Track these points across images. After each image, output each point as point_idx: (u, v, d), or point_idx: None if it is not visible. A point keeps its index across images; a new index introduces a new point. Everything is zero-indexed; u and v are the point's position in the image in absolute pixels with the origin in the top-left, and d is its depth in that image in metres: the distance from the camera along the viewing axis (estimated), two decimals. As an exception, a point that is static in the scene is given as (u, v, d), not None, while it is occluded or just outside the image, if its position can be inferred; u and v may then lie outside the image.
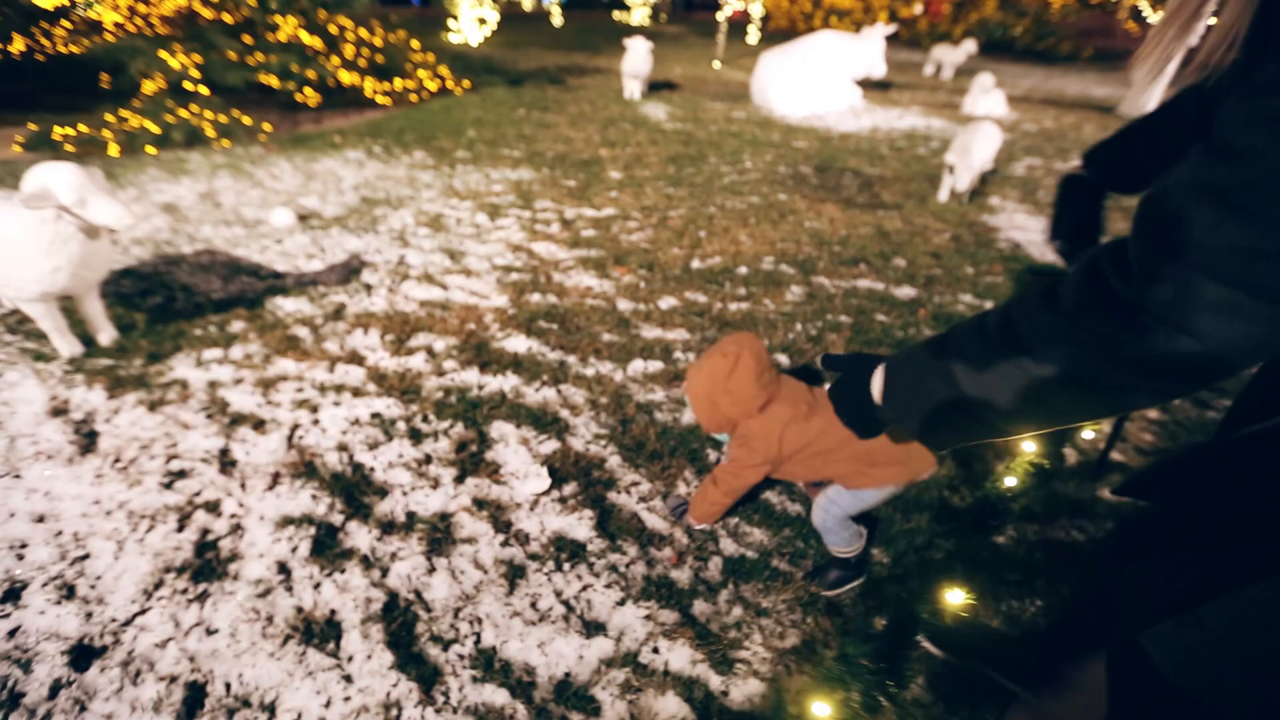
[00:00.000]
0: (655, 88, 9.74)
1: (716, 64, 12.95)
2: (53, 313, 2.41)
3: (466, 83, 8.98)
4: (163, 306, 2.93)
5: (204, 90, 6.11)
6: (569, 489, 2.01)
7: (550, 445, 2.18)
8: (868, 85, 10.73)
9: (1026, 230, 4.42)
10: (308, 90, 7.06)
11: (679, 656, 1.53)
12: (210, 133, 5.83)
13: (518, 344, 2.73)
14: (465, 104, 7.88)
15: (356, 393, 2.39)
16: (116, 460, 2.02)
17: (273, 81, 6.71)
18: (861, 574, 1.74)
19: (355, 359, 2.59)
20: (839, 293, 3.36)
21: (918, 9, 21.45)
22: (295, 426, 2.21)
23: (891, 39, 19.95)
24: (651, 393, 2.47)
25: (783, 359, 2.73)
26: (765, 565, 1.76)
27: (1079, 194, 1.11)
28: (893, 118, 8.36)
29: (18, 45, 6.70)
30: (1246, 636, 0.51)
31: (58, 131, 5.65)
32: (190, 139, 5.78)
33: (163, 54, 5.89)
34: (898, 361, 0.65)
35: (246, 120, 6.25)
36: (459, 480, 2.02)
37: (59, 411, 2.21)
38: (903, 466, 1.52)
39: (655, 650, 1.55)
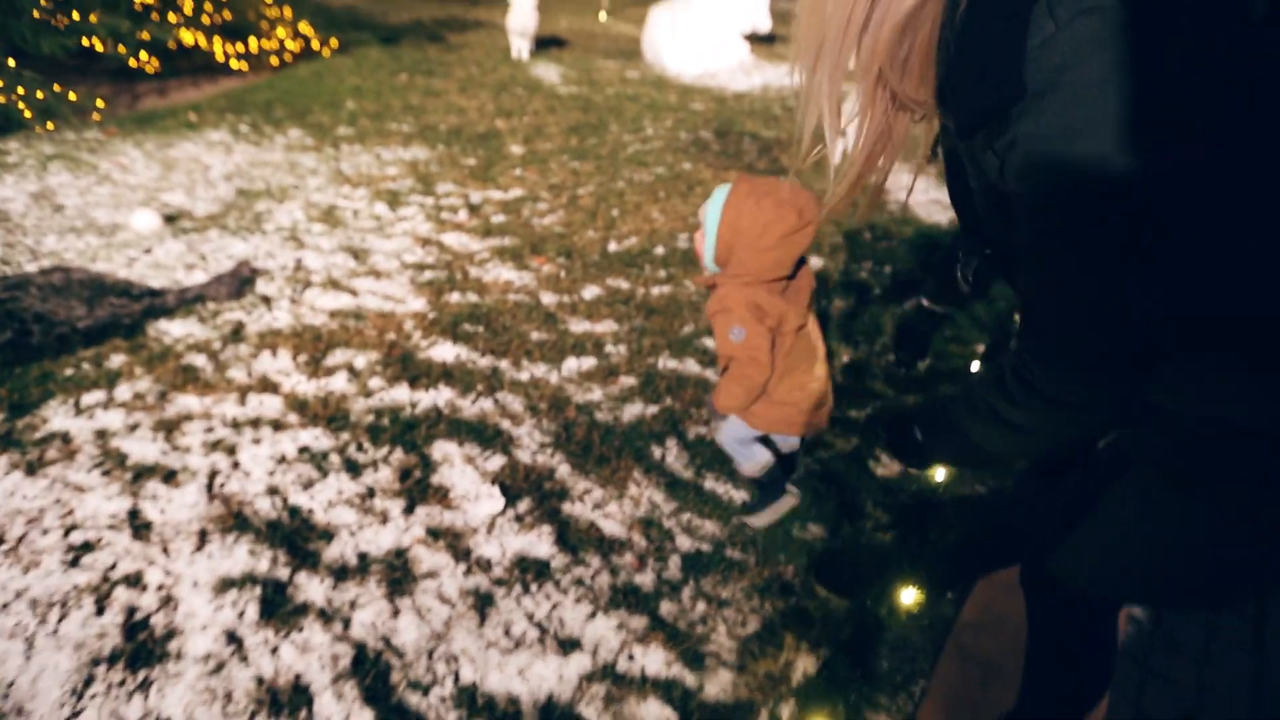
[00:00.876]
0: (543, 45, 9.23)
1: (603, 16, 12.43)
2: None
3: (334, 42, 8.05)
4: (15, 343, 2.49)
5: (10, 62, 5.04)
6: (523, 505, 1.99)
7: (497, 460, 2.13)
8: (754, 40, 10.78)
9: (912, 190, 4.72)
10: (143, 55, 6.03)
11: (654, 660, 1.60)
12: (27, 114, 4.87)
13: (445, 352, 2.60)
14: (338, 69, 7.10)
15: (277, 426, 2.19)
16: (1, 541, 1.75)
17: (97, 45, 5.65)
18: (781, 492, 1.85)
19: (268, 386, 2.36)
20: (752, 265, 3.45)
21: (790, -46, 21.53)
22: (213, 474, 2.00)
23: (768, -14, 19.95)
24: (589, 392, 2.45)
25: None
26: (720, 557, 1.86)
27: (926, 323, 1.52)
28: (781, 74, 8.49)
29: None
30: (1114, 538, 0.77)
31: None
32: (2, 122, 4.80)
33: (-57, 16, 4.76)
34: (927, 421, 0.85)
35: (72, 96, 5.26)
36: (408, 511, 1.94)
37: (-94, 491, 1.86)
38: (801, 417, 1.66)
39: (630, 657, 1.61)
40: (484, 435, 2.22)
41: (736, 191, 1.54)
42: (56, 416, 2.16)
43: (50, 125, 4.95)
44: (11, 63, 5.09)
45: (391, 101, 6.02)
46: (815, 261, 3.55)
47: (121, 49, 5.76)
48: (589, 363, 2.60)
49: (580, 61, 8.33)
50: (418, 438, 2.19)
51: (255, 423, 2.20)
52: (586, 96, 6.64)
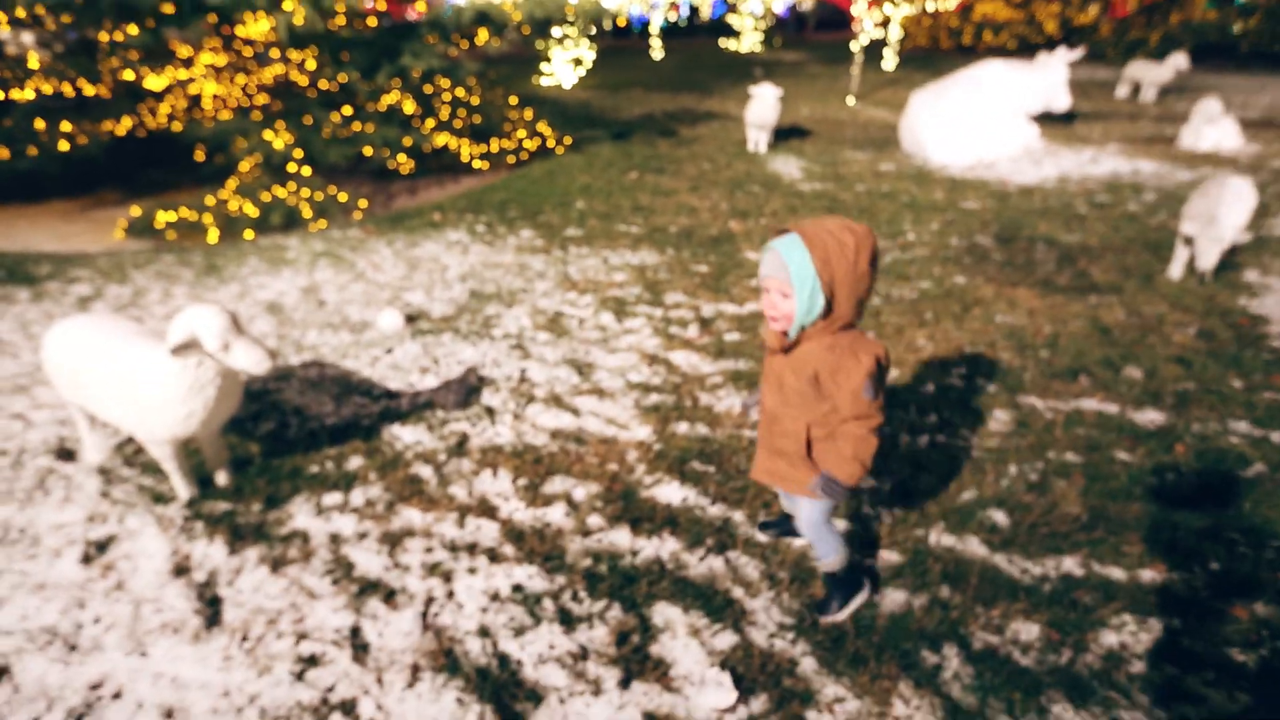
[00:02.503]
0: (783, 135, 9.98)
1: (851, 100, 13.15)
2: (179, 454, 2.69)
3: (568, 140, 9.64)
4: (276, 435, 3.21)
5: (306, 170, 6.91)
6: (757, 705, 1.93)
7: (727, 638, 2.12)
8: (1045, 119, 10.44)
9: (1317, 325, 4.00)
10: (400, 157, 7.82)
11: None
12: (307, 213, 6.56)
13: (670, 493, 2.74)
14: (569, 167, 8.41)
15: (493, 556, 2.46)
16: (244, 639, 2.17)
17: (367, 150, 7.51)
18: (860, 583, 2.15)
19: (486, 510, 2.68)
20: (1058, 419, 3.14)
21: (1093, 12, 20.90)
22: (429, 600, 2.29)
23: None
24: (845, 568, 2.36)
25: (998, 515, 2.56)
26: None
27: None
28: (1084, 161, 8.05)
29: (125, 125, 7.95)
30: None
31: (160, 218, 6.56)
32: (288, 221, 6.52)
33: (268, 134, 6.77)
34: None
35: (342, 197, 6.99)
36: (624, 685, 1.99)
37: (181, 570, 2.43)
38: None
39: None
40: (712, 603, 2.24)
41: (806, 233, 1.71)
42: (300, 514, 2.69)
43: (322, 223, 6.58)
44: (307, 171, 6.99)
45: (621, 201, 6.90)
46: (1152, 416, 3.11)
47: (385, 152, 7.57)
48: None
49: (825, 153, 8.79)
50: (638, 594, 2.28)
51: (472, 548, 2.49)
52: (833, 194, 6.92)
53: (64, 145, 7.20)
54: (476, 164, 8.50)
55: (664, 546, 2.48)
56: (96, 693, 2.01)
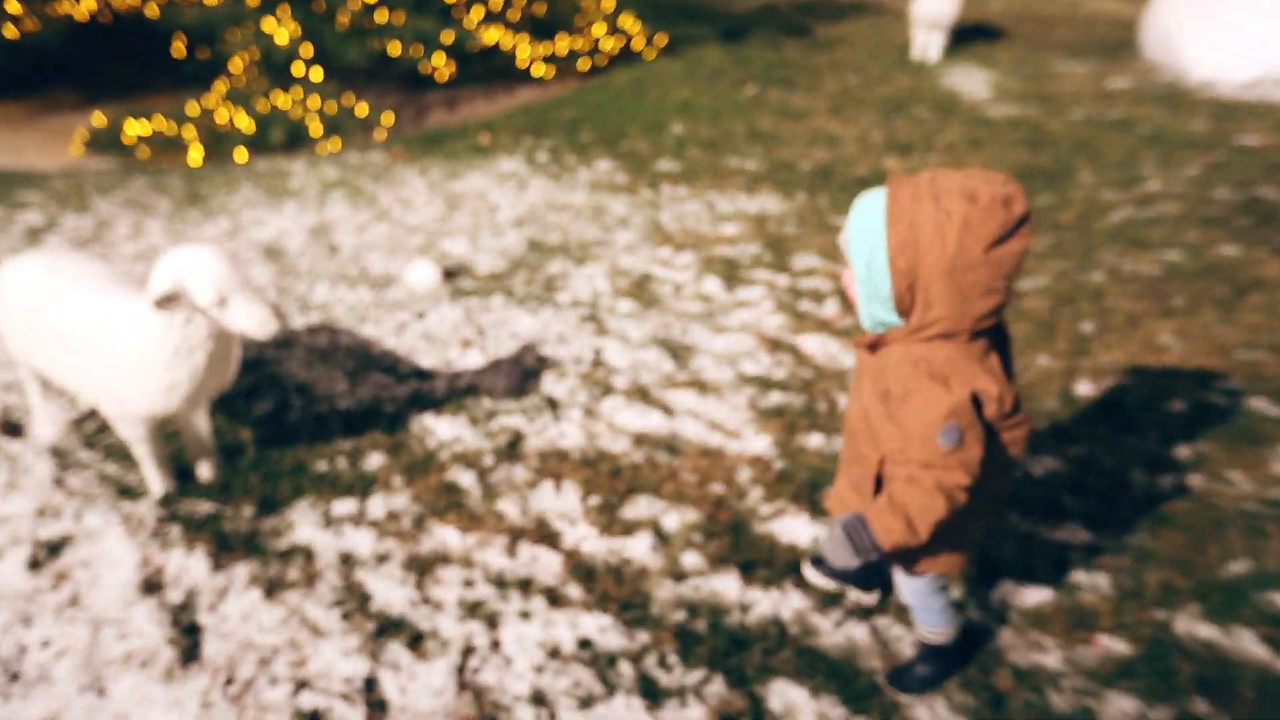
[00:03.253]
0: (963, 36, 9.69)
1: (1064, -11, 12.62)
2: (153, 438, 2.82)
3: (660, 39, 9.63)
4: (275, 418, 3.33)
5: (315, 74, 7.16)
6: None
7: (875, 740, 2.08)
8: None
9: None
10: (437, 58, 7.99)
11: None
12: (316, 129, 6.82)
13: (796, 529, 2.70)
14: (663, 76, 8.41)
15: (553, 598, 2.49)
16: (229, 681, 2.27)
17: (393, 48, 7.70)
18: (958, 659, 2.23)
19: (545, 535, 2.72)
20: (1386, 463, 2.94)
21: None
22: (467, 650, 2.33)
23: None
24: (1039, 649, 2.30)
25: (1278, 598, 2.40)
26: None
27: None
28: None
29: (85, 7, 8.43)
30: None
31: (130, 130, 6.94)
32: (291, 139, 6.79)
33: (267, 24, 7.05)
34: None
35: (361, 109, 7.22)
36: (728, 793, 1.98)
37: (152, 586, 2.56)
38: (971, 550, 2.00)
39: None
40: (851, 685, 2.21)
41: (899, 195, 1.63)
42: (303, 524, 2.79)
43: (336, 144, 6.82)
44: (317, 74, 7.25)
45: (733, 125, 6.86)
46: None
47: (418, 51, 7.75)
48: (1039, 595, 2.45)
49: (1026, 63, 8.49)
50: (748, 665, 2.27)
51: (525, 585, 2.53)
52: (1036, 122, 6.68)
53: (10, 31, 7.70)
54: (537, 70, 8.61)
55: (786, 603, 2.45)
56: (45, 736, 2.14)
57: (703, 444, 3.12)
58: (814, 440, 3.12)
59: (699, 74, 8.48)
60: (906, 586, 2.10)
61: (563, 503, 2.85)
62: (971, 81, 8.00)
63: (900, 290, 1.66)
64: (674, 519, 2.76)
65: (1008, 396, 1.71)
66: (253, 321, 2.41)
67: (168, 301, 2.34)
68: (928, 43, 8.90)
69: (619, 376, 3.55)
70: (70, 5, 7.96)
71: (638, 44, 9.46)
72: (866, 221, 1.68)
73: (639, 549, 2.65)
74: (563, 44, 8.95)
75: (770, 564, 2.58)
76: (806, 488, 2.88)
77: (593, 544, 2.68)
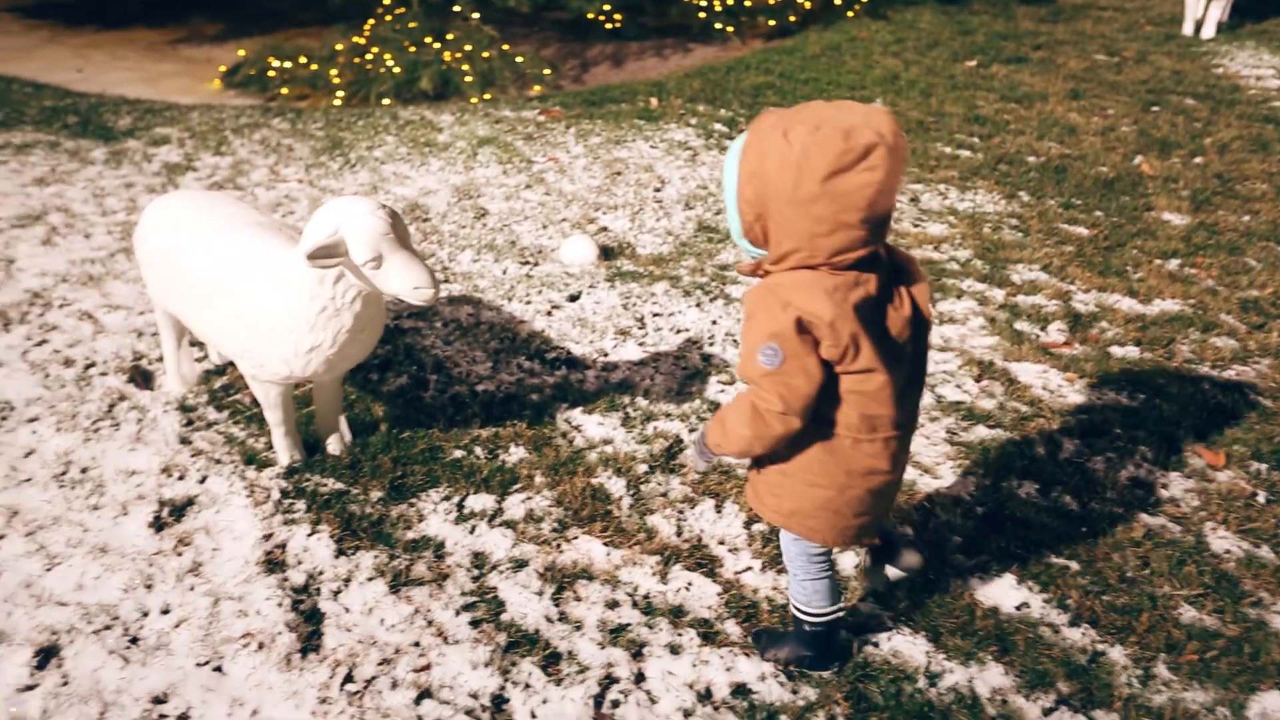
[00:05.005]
0: (1248, 11, 9.14)
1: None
2: (287, 403, 3.02)
3: (865, -2, 9.55)
4: (409, 396, 3.50)
5: (473, 15, 7.44)
6: None
7: None
8: None
9: None
10: (604, 4, 8.15)
11: None
12: (468, 78, 7.08)
13: (1001, 592, 2.66)
14: (866, 42, 8.33)
15: (708, 634, 2.52)
16: (348, 678, 2.41)
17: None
18: (828, 665, 2.43)
19: (703, 560, 2.76)
20: None
21: None
22: (608, 679, 2.40)
23: None
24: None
25: None
26: None
27: None
28: None
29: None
30: None
31: (273, 66, 7.39)
32: (440, 87, 7.08)
33: (428, -44, 7.38)
34: None
35: (519, 58, 7.45)
36: None
37: (274, 564, 2.74)
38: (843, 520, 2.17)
39: None
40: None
41: (759, 127, 1.82)
42: (435, 516, 2.92)
43: (487, 95, 7.06)
44: (476, 16, 7.53)
45: (947, 104, 6.74)
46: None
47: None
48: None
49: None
50: (933, 748, 2.24)
51: (677, 615, 2.57)
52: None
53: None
54: (719, 26, 8.66)
55: (984, 677, 2.41)
56: (159, 709, 2.32)
57: (891, 477, 3.10)
58: (1026, 487, 3.04)
59: (909, 42, 8.35)
60: (783, 546, 2.33)
61: (724, 526, 2.89)
62: (1258, 64, 7.58)
63: (748, 221, 1.88)
64: (851, 560, 2.75)
65: (844, 328, 1.85)
66: (408, 285, 2.53)
67: (325, 254, 2.48)
68: (1202, 11, 8.47)
69: (796, 388, 3.56)
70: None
71: (837, 2, 9.38)
72: (732, 154, 1.89)
73: (810, 590, 2.66)
74: (749, -2, 8.97)
75: (966, 629, 2.54)
76: (1014, 541, 2.81)
77: (756, 578, 2.70)
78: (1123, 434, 3.33)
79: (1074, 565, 2.76)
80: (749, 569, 2.73)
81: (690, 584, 2.68)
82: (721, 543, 2.83)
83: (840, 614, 2.34)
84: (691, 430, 3.32)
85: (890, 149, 1.72)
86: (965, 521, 2.90)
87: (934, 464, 3.16)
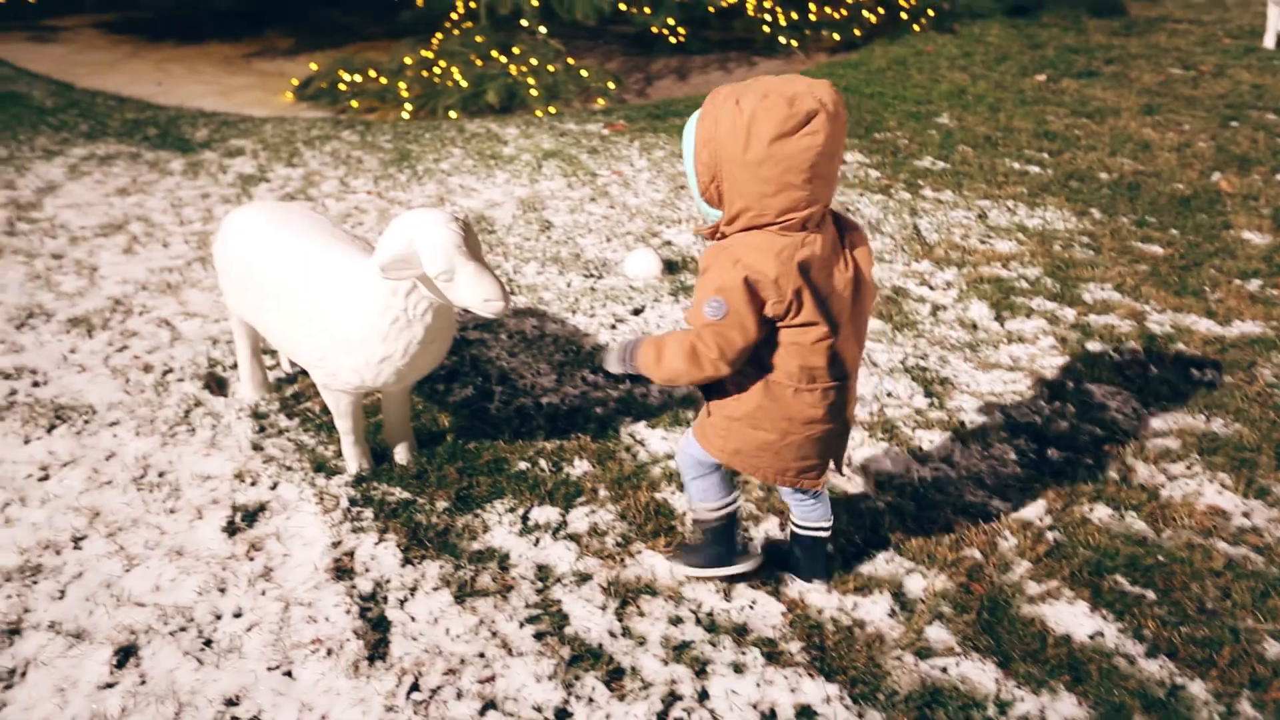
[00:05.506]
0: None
1: None
2: (357, 412, 3.07)
3: (932, 10, 9.45)
4: (474, 407, 3.54)
5: (540, 29, 7.52)
6: None
7: None
8: None
9: None
10: (670, 19, 8.18)
11: None
12: (534, 91, 7.15)
13: (1072, 618, 2.60)
14: (932, 56, 8.28)
15: (772, 654, 2.51)
16: (414, 687, 2.43)
17: (622, 5, 7.96)
18: (732, 560, 2.65)
19: (767, 577, 2.74)
20: None
21: None
22: (671, 696, 2.40)
23: None
24: None
25: None
26: None
27: None
28: None
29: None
30: None
31: (343, 80, 7.54)
32: (506, 100, 7.17)
33: (496, -30, 7.47)
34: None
35: (584, 72, 7.51)
36: None
37: (343, 571, 2.78)
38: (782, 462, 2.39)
39: None
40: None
41: (713, 97, 2.03)
42: (499, 527, 2.95)
43: (552, 109, 7.13)
44: (543, 30, 7.61)
45: (1016, 120, 6.67)
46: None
47: (645, 8, 7.96)
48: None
49: None
50: (1000, 776, 2.20)
51: (741, 633, 2.57)
52: None
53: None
54: (783, 39, 8.66)
55: (1056, 707, 2.36)
56: (231, 711, 2.37)
57: (958, 498, 3.06)
58: (1100, 512, 2.99)
59: (976, 56, 8.28)
60: (680, 455, 2.59)
61: (788, 544, 2.87)
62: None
63: (704, 183, 2.09)
64: (918, 583, 2.72)
65: (787, 285, 2.06)
66: (478, 297, 2.56)
67: (396, 267, 2.52)
68: (1285, 27, 8.30)
69: (861, 406, 3.52)
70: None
71: (904, 14, 9.32)
72: (690, 124, 2.10)
73: (875, 612, 2.63)
74: (813, 10, 8.95)
75: (1037, 656, 2.49)
76: (1088, 569, 2.76)
77: (821, 598, 2.68)
78: (1200, 459, 3.26)
79: (1150, 594, 2.70)
80: (813, 589, 2.71)
81: (754, 602, 2.67)
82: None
83: (735, 505, 2.61)
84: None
85: (830, 115, 1.92)
86: (1034, 545, 2.85)
87: (1003, 485, 3.12)
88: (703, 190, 2.12)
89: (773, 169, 1.95)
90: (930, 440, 3.35)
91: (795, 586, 2.73)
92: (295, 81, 7.86)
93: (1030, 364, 3.80)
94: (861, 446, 3.31)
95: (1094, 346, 3.91)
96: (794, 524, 2.64)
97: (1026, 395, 3.60)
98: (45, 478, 3.17)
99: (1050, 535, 2.90)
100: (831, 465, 2.49)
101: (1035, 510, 3.01)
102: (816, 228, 2.09)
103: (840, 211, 2.23)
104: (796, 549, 2.70)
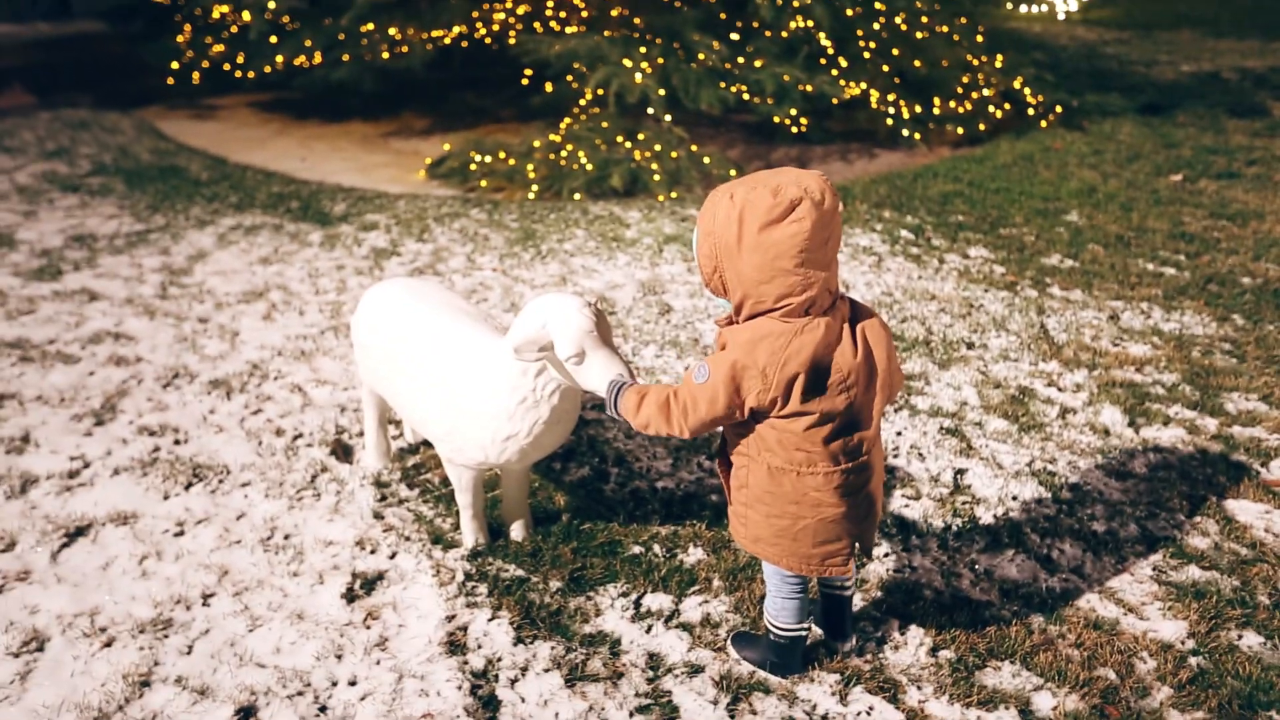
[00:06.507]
0: None
1: None
2: (477, 488, 3.11)
3: (1059, 108, 9.36)
4: (590, 488, 3.55)
5: (665, 116, 7.68)
6: None
7: None
8: None
9: None
10: (792, 109, 8.25)
11: None
12: (657, 177, 7.28)
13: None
14: (1061, 154, 8.16)
15: (887, 766, 2.41)
16: (523, 771, 2.41)
17: (745, 95, 8.07)
18: (789, 673, 2.68)
19: (884, 684, 2.66)
20: None
21: None
22: (781, 804, 2.31)
23: None
24: None
25: None
26: None
27: None
28: None
29: (454, 32, 9.62)
30: None
31: (474, 160, 7.79)
32: (630, 184, 7.31)
33: (626, 61, 7.66)
34: None
35: (706, 159, 7.62)
36: None
37: (455, 646, 2.79)
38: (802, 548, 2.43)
39: None
40: None
41: (714, 192, 2.16)
42: (611, 611, 2.93)
43: (674, 194, 7.24)
44: (668, 118, 7.77)
45: (1150, 220, 6.50)
46: None
47: (768, 100, 8.06)
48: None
49: None
50: None
51: (854, 743, 2.48)
52: None
53: (386, 54, 8.97)
54: (905, 132, 8.65)
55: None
56: (342, 780, 2.39)
57: (1091, 613, 2.92)
58: (1250, 640, 2.80)
59: (1107, 154, 8.12)
60: (765, 570, 2.60)
61: (908, 651, 2.78)
62: None
63: (707, 273, 2.21)
64: (1047, 700, 2.59)
65: (775, 375, 2.14)
66: (605, 382, 2.59)
67: (531, 348, 2.56)
68: None
69: (985, 509, 3.42)
70: (441, 31, 9.11)
71: (1031, 111, 9.23)
72: (699, 219, 2.21)
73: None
74: (938, 105, 8.92)
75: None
76: (1238, 702, 2.58)
77: (941, 709, 2.57)
78: (1354, 587, 3.06)
79: (1296, 729, 2.52)
80: (932, 698, 2.61)
81: (871, 708, 2.58)
82: (903, 668, 2.72)
83: (804, 632, 2.64)
84: (889, 552, 3.23)
85: (815, 203, 2.03)
86: (1176, 670, 2.69)
87: (1139, 603, 2.97)
88: (707, 281, 2.24)
89: (763, 256, 2.06)
90: (1060, 549, 3.22)
91: (914, 694, 2.63)
92: (429, 160, 8.15)
93: (1168, 475, 3.63)
94: (989, 552, 3.20)
95: (1238, 459, 3.73)
96: (821, 583, 2.74)
97: (1164, 507, 3.44)
98: (180, 533, 3.29)
99: (1193, 661, 2.73)
100: (858, 549, 2.51)
101: (1176, 632, 2.84)
102: (823, 312, 2.17)
103: (855, 300, 2.34)
104: (822, 608, 2.79)
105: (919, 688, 2.65)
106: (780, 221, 2.03)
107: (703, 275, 2.23)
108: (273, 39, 9.21)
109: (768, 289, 2.10)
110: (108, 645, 2.78)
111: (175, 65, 9.77)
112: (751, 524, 2.42)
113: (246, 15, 8.88)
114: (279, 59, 9.16)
